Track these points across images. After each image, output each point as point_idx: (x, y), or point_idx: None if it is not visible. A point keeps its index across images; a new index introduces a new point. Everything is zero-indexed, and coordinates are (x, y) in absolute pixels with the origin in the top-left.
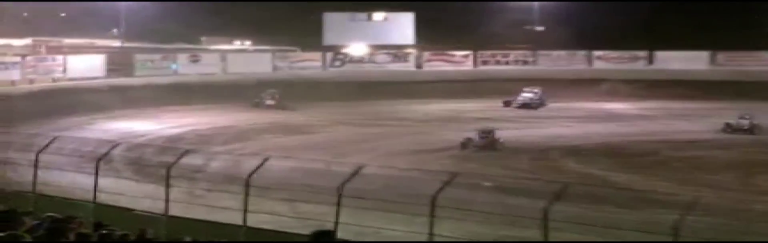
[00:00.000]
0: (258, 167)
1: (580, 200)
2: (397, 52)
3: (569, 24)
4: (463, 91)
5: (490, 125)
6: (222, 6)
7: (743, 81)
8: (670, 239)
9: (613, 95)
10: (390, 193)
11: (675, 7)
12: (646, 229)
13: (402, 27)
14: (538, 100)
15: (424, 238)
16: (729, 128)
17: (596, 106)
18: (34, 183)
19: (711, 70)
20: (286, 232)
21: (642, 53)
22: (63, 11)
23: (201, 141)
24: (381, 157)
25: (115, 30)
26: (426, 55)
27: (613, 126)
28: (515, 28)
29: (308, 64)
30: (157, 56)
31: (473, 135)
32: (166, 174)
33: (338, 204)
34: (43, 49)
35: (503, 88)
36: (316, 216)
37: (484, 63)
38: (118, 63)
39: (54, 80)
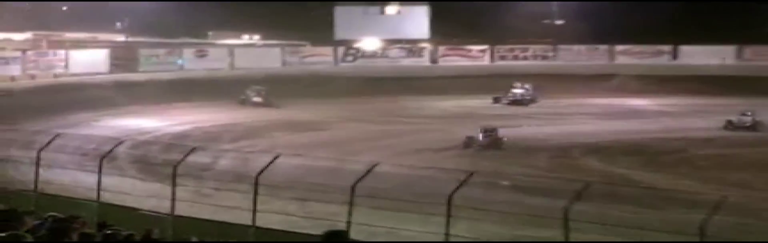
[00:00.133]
0: (267, 165)
1: (602, 200)
2: (411, 46)
3: (590, 17)
4: (479, 87)
5: (492, 123)
6: None
7: None
8: (696, 240)
9: (622, 91)
10: (404, 192)
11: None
12: (671, 229)
13: (416, 20)
14: (529, 96)
15: (439, 239)
16: (730, 125)
17: (617, 103)
18: (36, 181)
19: (737, 66)
20: (296, 233)
21: (666, 48)
22: (65, 4)
23: (208, 138)
24: (395, 155)
25: (118, 24)
26: (441, 49)
27: (636, 123)
28: (534, 22)
29: (319, 59)
30: (162, 51)
31: (476, 133)
32: (172, 172)
33: (351, 203)
34: (44, 44)
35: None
36: (327, 216)
37: (502, 58)
38: (122, 58)
39: (56, 76)
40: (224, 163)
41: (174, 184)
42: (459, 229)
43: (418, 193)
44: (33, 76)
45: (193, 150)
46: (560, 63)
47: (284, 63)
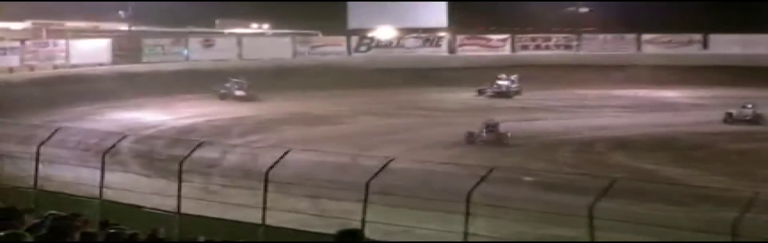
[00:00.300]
0: (278, 161)
1: (629, 197)
2: (428, 35)
3: (616, 5)
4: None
5: (512, 116)
6: None
7: None
8: (729, 239)
9: (649, 82)
10: (421, 188)
11: None
12: (702, 228)
13: (433, 8)
14: (514, 87)
15: (458, 238)
16: (730, 118)
17: (644, 94)
18: (36, 178)
19: None
20: (308, 232)
21: (696, 36)
22: None
23: (216, 132)
24: (411, 149)
25: (121, 12)
26: (459, 39)
27: (664, 115)
28: (557, 10)
29: (331, 49)
30: (167, 41)
31: (481, 128)
32: (178, 168)
33: (365, 200)
34: (43, 33)
35: (544, 75)
36: (341, 214)
37: (524, 48)
38: (125, 48)
39: (56, 67)
40: (232, 158)
41: (180, 181)
42: (479, 228)
43: (435, 190)
44: (32, 67)
45: (199, 145)
46: (584, 53)
47: (295, 53)
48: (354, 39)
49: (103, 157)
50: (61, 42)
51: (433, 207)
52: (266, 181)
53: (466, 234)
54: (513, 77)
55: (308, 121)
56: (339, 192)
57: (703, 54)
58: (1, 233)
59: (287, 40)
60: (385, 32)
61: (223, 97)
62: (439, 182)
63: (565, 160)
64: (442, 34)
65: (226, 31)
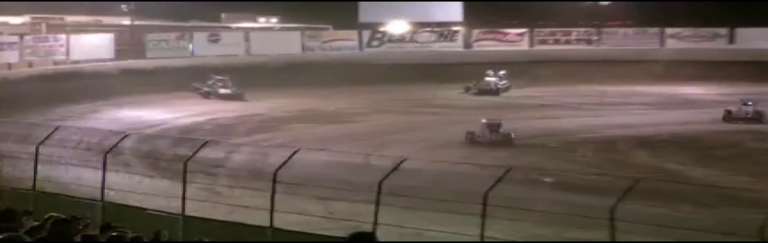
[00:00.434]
0: (286, 161)
1: (653, 198)
2: (442, 30)
3: None
4: (517, 74)
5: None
6: None
7: None
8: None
9: (673, 78)
10: (436, 189)
11: None
12: (728, 230)
13: (448, 1)
14: (502, 84)
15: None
16: (729, 116)
17: (668, 91)
18: (35, 179)
19: None
20: (318, 235)
21: (722, 30)
22: None
23: (221, 131)
24: (424, 149)
25: (124, 6)
26: (475, 33)
27: (688, 113)
28: (577, 3)
29: (342, 43)
30: (171, 36)
31: (480, 129)
32: (182, 169)
33: (377, 202)
34: (43, 28)
35: (563, 71)
36: (352, 216)
37: (542, 42)
38: (127, 43)
39: (56, 63)
40: (239, 158)
41: (184, 182)
42: (496, 231)
43: (450, 191)
44: (31, 64)
45: (204, 144)
46: (605, 48)
47: (304, 48)
48: (365, 33)
49: (105, 157)
50: (62, 37)
51: (447, 209)
52: (274, 181)
53: (482, 237)
54: (501, 73)
55: (317, 119)
56: (350, 193)
57: (729, 49)
58: (0, 236)
59: (296, 34)
60: (397, 26)
61: (207, 95)
62: (454, 183)
63: (585, 159)
64: (457, 28)
65: (233, 25)
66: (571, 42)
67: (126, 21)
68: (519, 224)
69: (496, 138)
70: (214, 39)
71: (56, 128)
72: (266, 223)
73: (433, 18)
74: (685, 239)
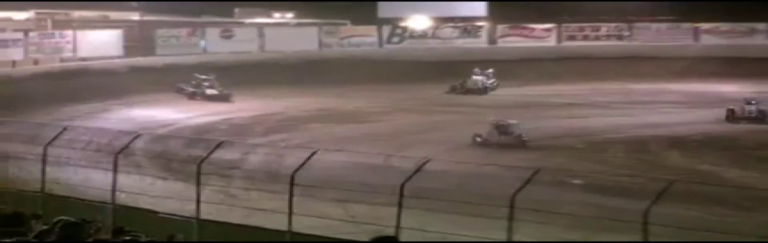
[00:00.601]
0: (304, 162)
1: (687, 200)
2: (466, 25)
3: None
4: (544, 71)
5: (557, 113)
6: None
7: None
8: None
9: (708, 75)
10: (460, 192)
11: None
12: (766, 234)
13: None
14: (490, 83)
15: None
16: (732, 115)
17: (702, 89)
18: (43, 181)
19: None
20: (339, 239)
21: (761, 26)
22: None
23: (236, 131)
24: (448, 149)
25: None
26: (500, 28)
27: (723, 112)
28: None
29: (361, 40)
30: (182, 31)
31: (488, 131)
32: (196, 170)
33: (399, 205)
34: (49, 24)
35: (592, 68)
36: (373, 219)
37: (570, 38)
38: (136, 40)
39: (62, 60)
40: (255, 159)
41: (198, 184)
42: (524, 235)
43: (476, 194)
44: (36, 61)
45: (219, 145)
46: (637, 44)
47: (321, 45)
48: (385, 29)
49: (116, 158)
50: (68, 33)
51: (473, 212)
52: (292, 184)
53: (509, 241)
54: (488, 72)
55: (336, 118)
56: (371, 196)
57: (767, 45)
58: (8, 240)
59: (313, 30)
60: (419, 22)
61: (192, 96)
62: (480, 185)
63: (615, 160)
64: (481, 23)
65: (247, 20)
66: (600, 38)
67: (135, 16)
68: (547, 228)
69: (505, 140)
70: (227, 35)
71: (64, 128)
72: (284, 227)
73: (456, 13)
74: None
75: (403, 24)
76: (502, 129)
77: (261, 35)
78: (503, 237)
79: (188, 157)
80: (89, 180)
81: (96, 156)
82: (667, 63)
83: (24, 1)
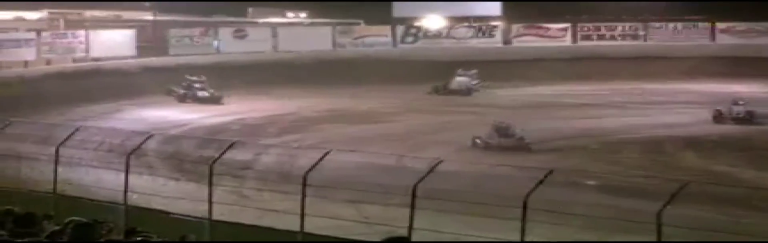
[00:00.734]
0: (317, 163)
1: (702, 201)
2: (480, 25)
3: None
4: (559, 71)
5: (572, 113)
6: None
7: None
8: None
9: (724, 75)
10: (473, 192)
11: None
12: None
13: None
14: (474, 84)
15: None
16: (720, 116)
17: (719, 89)
18: (55, 182)
19: None
20: (351, 240)
21: None
22: None
23: (249, 132)
24: (460, 150)
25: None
26: (515, 28)
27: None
28: None
29: (375, 39)
30: (195, 31)
31: (487, 133)
32: (208, 171)
33: (412, 206)
34: (61, 24)
35: (608, 67)
36: (386, 220)
37: (586, 38)
38: (149, 39)
39: (75, 60)
40: (267, 160)
41: (211, 185)
42: (537, 236)
43: (489, 194)
44: (49, 61)
45: (231, 145)
46: (653, 43)
47: (335, 44)
48: (399, 29)
49: (128, 159)
50: (81, 33)
51: (486, 213)
52: (304, 184)
53: (522, 242)
54: (471, 73)
55: (349, 118)
56: (383, 196)
57: None
58: (20, 241)
59: (326, 30)
60: (433, 21)
61: (182, 99)
62: (493, 186)
63: (630, 161)
64: (495, 23)
65: (260, 20)
66: (616, 37)
67: (148, 16)
68: (561, 229)
69: (506, 143)
70: (240, 35)
71: (77, 129)
72: (296, 228)
73: (471, 12)
74: None
75: (417, 24)
76: (502, 131)
77: (274, 35)
78: (516, 238)
79: (200, 157)
80: (101, 180)
81: (108, 156)
82: (682, 63)
83: (37, 1)
